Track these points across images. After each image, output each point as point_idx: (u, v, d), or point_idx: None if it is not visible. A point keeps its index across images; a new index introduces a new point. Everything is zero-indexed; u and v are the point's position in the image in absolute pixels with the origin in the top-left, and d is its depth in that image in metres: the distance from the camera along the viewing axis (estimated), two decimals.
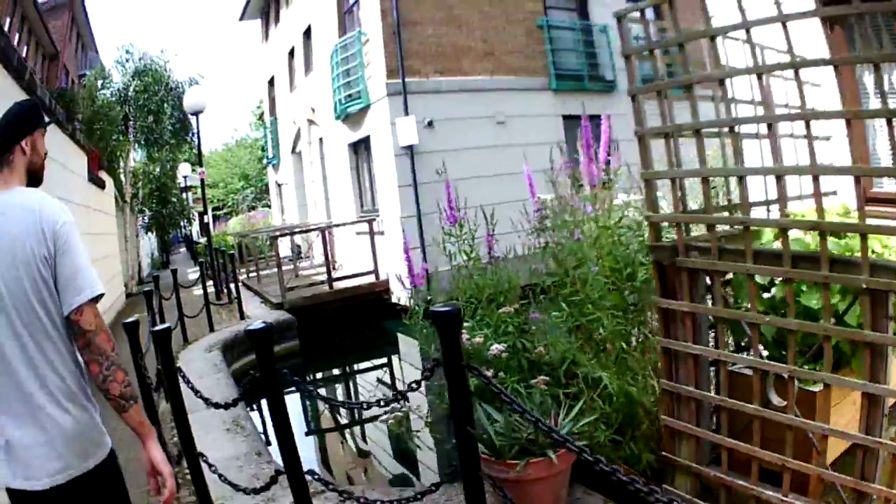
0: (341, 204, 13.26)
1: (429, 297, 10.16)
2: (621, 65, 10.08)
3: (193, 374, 5.57)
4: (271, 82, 19.77)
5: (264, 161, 22.59)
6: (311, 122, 15.15)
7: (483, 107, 10.60)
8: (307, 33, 14.74)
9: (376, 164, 10.93)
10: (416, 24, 9.95)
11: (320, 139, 14.69)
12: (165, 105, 15.37)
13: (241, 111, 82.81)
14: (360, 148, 12.17)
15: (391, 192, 10.24)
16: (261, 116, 30.24)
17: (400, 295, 10.87)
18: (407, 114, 9.78)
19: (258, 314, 9.63)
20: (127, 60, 15.34)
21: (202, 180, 12.33)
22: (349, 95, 11.27)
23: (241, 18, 20.38)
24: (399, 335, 10.51)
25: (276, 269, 14.54)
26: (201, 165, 12.23)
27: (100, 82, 14.57)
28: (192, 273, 16.75)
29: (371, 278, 10.80)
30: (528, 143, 11.33)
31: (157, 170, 17.60)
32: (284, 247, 15.62)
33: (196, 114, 11.34)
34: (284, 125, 18.14)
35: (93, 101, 13.21)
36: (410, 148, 9.85)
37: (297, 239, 16.00)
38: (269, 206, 26.58)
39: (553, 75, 11.22)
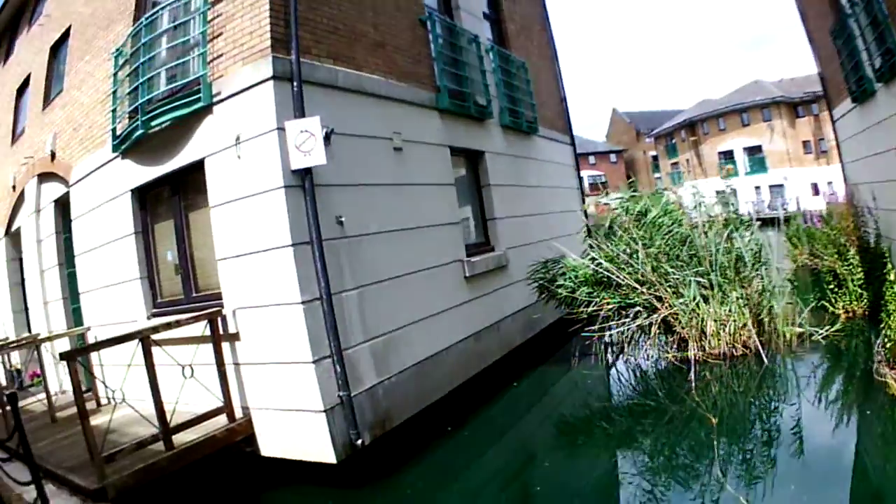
0: (108, 297, 7.51)
1: (356, 437, 5.82)
2: (495, 90, 6.22)
3: None
4: None
5: None
6: (44, 176, 9.19)
7: (380, 121, 6.97)
8: (57, 46, 9.38)
9: (217, 212, 6.06)
10: None
11: (57, 201, 8.84)
12: None
13: None
14: (162, 193, 6.91)
15: (270, 256, 5.60)
16: None
17: (277, 443, 6.12)
18: (303, 114, 5.57)
19: None
20: None
21: None
22: (159, 97, 6.23)
23: None
24: None
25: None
26: None
27: None
28: None
29: (222, 419, 5.92)
30: (425, 182, 8.04)
31: None
32: None
33: None
34: None
35: None
36: (308, 174, 5.61)
37: (15, 359, 9.68)
38: None
39: (443, 89, 8.24)
